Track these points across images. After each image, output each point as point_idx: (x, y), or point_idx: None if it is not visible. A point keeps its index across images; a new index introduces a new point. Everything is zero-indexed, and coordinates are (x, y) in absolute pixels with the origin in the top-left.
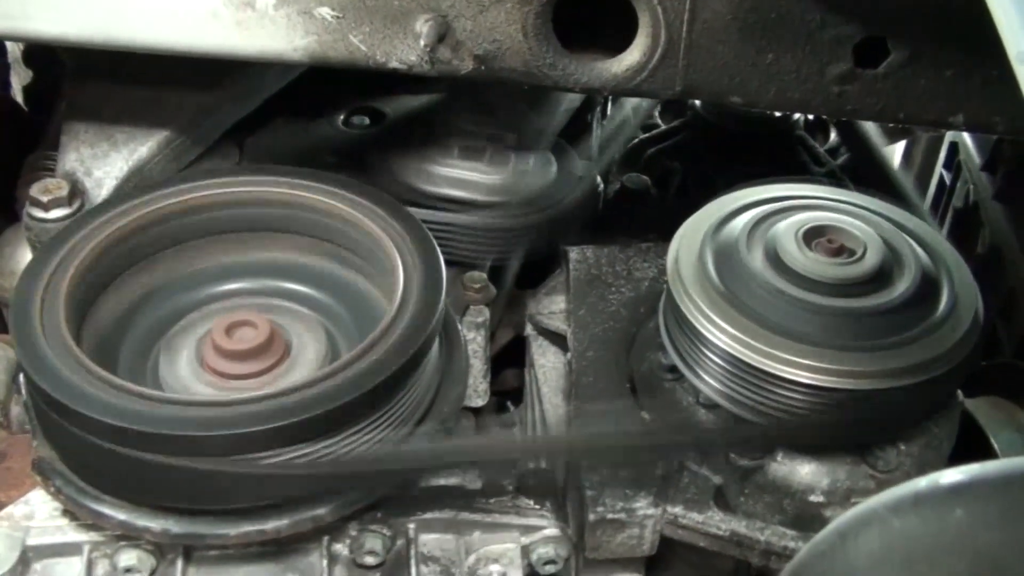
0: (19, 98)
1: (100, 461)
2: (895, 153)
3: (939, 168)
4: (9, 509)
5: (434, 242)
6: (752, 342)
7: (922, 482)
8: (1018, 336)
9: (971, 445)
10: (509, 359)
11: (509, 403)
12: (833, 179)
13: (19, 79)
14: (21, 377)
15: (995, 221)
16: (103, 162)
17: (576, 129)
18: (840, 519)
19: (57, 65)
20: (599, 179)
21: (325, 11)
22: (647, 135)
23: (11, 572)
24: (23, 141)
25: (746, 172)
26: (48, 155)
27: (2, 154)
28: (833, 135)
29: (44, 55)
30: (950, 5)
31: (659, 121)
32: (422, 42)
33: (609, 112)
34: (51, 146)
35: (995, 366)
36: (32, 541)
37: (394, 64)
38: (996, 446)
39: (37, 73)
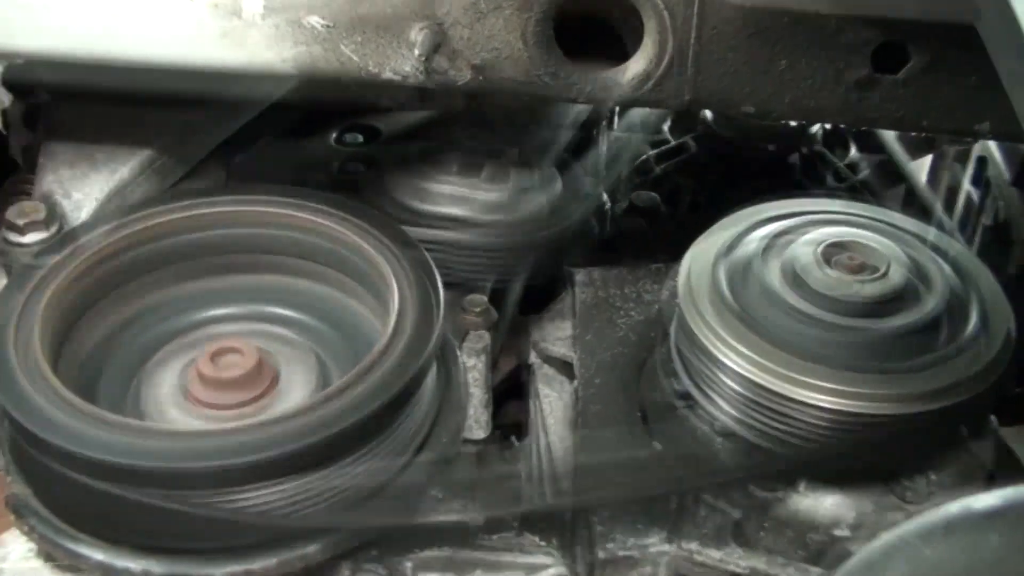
0: None
1: (77, 497)
2: (921, 170)
3: (967, 185)
4: None
5: (431, 262)
6: (770, 365)
7: (954, 508)
8: None
9: (1006, 475)
10: (513, 391)
11: (514, 438)
12: (854, 194)
13: None
14: None
15: None
16: (82, 183)
17: (582, 145)
18: (867, 548)
19: (39, 89)
20: (605, 196)
21: (315, 20)
22: (656, 151)
23: None
24: (3, 166)
25: (760, 189)
26: (27, 179)
27: None
28: (853, 149)
29: (25, 79)
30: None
31: (669, 136)
32: (417, 51)
33: (616, 127)
34: (30, 169)
35: None
36: None
37: (388, 75)
38: None
39: (18, 97)
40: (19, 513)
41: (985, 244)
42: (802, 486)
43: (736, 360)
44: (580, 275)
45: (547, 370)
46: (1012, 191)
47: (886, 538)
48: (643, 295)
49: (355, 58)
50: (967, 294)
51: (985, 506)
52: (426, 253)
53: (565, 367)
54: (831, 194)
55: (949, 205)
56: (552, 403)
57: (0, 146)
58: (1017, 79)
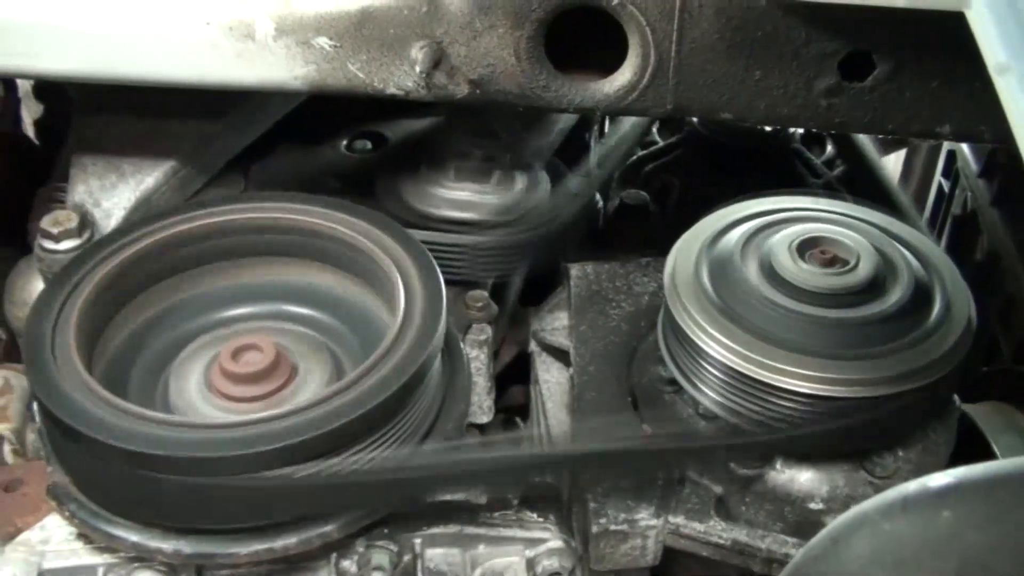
0: (30, 132)
1: (112, 485)
2: (895, 163)
3: (938, 176)
4: (26, 535)
5: (434, 262)
6: (748, 353)
7: (911, 486)
8: (1017, 341)
9: (972, 449)
10: (516, 376)
11: (518, 419)
12: (830, 190)
13: (30, 113)
14: (35, 404)
15: (993, 227)
16: (111, 193)
17: (575, 148)
18: (833, 524)
19: (67, 98)
20: (598, 196)
21: (323, 41)
22: (645, 152)
23: None
24: (35, 174)
25: (744, 186)
26: (59, 187)
27: (15, 187)
28: (830, 147)
29: (54, 89)
30: (933, 19)
31: (657, 137)
32: (418, 68)
33: (607, 130)
34: (62, 178)
35: (995, 371)
36: (48, 565)
37: (392, 90)
38: (996, 450)
39: (48, 107)
40: (60, 500)
41: (954, 233)
42: (779, 464)
43: (717, 349)
44: (575, 269)
45: (546, 358)
46: (979, 183)
47: (849, 514)
48: (633, 287)
49: (361, 75)
50: (931, 284)
51: (939, 484)
52: (428, 253)
53: (562, 355)
54: (807, 191)
55: (922, 195)
56: (551, 388)
57: (30, 157)
58: (1002, 69)
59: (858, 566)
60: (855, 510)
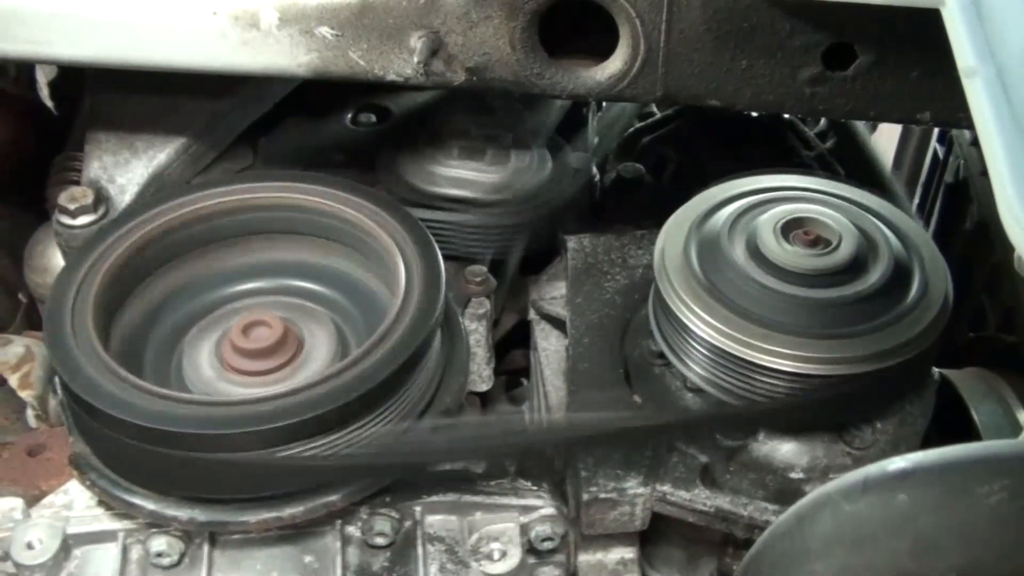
0: (44, 91)
1: (128, 457)
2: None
3: (933, 142)
4: (50, 498)
5: (432, 240)
6: (733, 332)
7: (872, 469)
8: (1003, 309)
9: (954, 416)
10: (518, 340)
11: (523, 379)
12: (822, 162)
13: (45, 74)
14: (56, 379)
15: (983, 196)
16: (125, 169)
17: (574, 121)
18: (799, 503)
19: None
20: (595, 170)
21: (325, 30)
22: (642, 124)
23: (54, 559)
24: (51, 141)
25: (738, 158)
26: (74, 156)
27: (32, 153)
28: (823, 120)
29: None
30: (913, 13)
31: (655, 109)
32: (416, 58)
33: (604, 105)
34: (77, 146)
35: (979, 339)
36: (72, 530)
37: (391, 77)
38: (976, 417)
39: (62, 69)
40: (81, 469)
41: (946, 200)
42: (761, 435)
43: (703, 328)
44: (572, 242)
45: (545, 326)
46: (972, 151)
47: (814, 495)
48: (628, 260)
49: (362, 63)
50: (910, 263)
51: (896, 468)
52: (427, 231)
53: (560, 324)
54: (796, 169)
55: (919, 160)
56: (549, 356)
57: (46, 123)
58: (970, 72)
59: (820, 543)
60: (819, 491)
